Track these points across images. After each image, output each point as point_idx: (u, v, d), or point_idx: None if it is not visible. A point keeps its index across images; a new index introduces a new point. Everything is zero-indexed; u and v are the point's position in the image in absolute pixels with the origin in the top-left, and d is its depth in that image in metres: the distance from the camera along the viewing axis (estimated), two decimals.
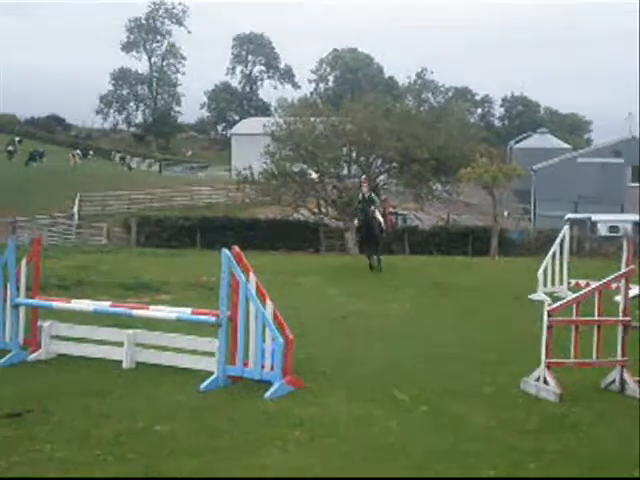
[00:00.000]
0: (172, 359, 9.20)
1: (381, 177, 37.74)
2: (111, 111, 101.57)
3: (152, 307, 10.02)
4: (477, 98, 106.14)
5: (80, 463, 5.82)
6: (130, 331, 9.46)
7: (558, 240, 16.48)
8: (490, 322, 12.87)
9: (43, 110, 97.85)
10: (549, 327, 8.06)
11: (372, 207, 19.50)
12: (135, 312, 9.59)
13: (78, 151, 68.15)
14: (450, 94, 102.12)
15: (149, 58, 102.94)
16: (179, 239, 32.59)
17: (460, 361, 9.71)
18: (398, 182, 38.82)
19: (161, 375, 8.76)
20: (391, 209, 42.00)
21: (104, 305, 10.20)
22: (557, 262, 16.35)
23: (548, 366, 8.07)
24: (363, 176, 23.83)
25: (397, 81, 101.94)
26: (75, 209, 41.09)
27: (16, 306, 9.61)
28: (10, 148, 61.78)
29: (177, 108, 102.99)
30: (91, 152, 72.37)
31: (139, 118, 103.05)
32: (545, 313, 8.11)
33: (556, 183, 48.39)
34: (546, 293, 15.50)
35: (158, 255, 25.18)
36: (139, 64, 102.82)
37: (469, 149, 35.34)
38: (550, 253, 16.40)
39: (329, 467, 5.84)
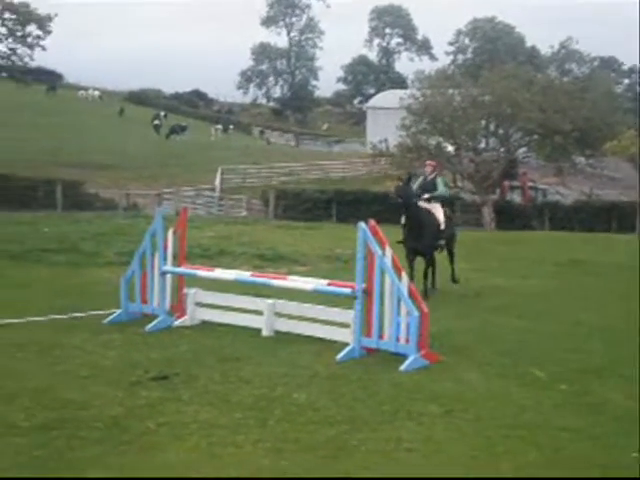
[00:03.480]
0: (309, 329, 9.38)
1: (521, 150, 36.78)
2: (251, 86, 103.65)
3: (290, 277, 10.23)
4: (624, 68, 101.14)
5: (222, 426, 6.07)
6: (270, 300, 9.71)
7: None
8: (634, 302, 12.37)
9: (187, 85, 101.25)
10: None
11: (425, 195, 12.72)
12: (274, 282, 9.83)
13: (219, 125, 70.01)
14: (595, 64, 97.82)
15: (288, 33, 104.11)
16: (315, 212, 32.96)
17: (601, 340, 9.41)
18: (538, 155, 37.72)
19: (298, 344, 8.96)
20: (530, 183, 40.94)
21: (245, 274, 10.55)
22: None
23: None
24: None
25: (539, 51, 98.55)
26: (217, 182, 42.27)
27: (163, 274, 10.06)
28: (156, 122, 64.17)
29: (314, 82, 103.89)
30: (231, 126, 74.13)
31: (278, 93, 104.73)
32: None
33: None
34: None
35: (294, 227, 25.60)
36: (278, 39, 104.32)
37: (615, 121, 33.82)
38: None
39: (465, 442, 5.83)
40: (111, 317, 10.17)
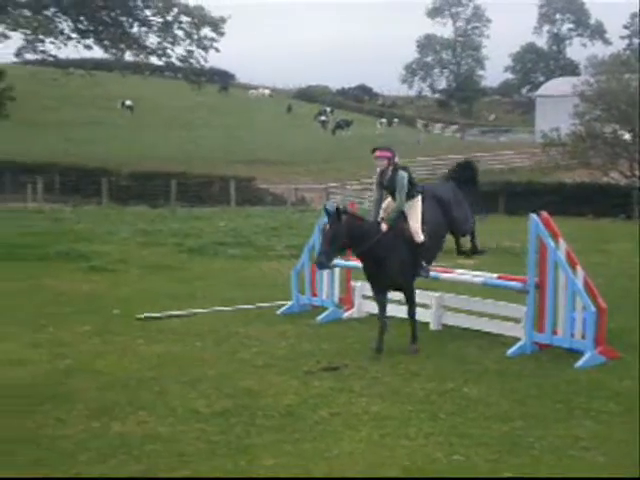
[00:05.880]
0: (478, 323, 9.26)
1: None
2: (415, 79, 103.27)
3: (458, 271, 10.11)
4: None
5: (393, 417, 6.11)
6: (437, 294, 9.66)
7: None
8: None
9: (353, 81, 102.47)
10: None
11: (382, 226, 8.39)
12: (441, 275, 9.75)
13: (384, 119, 70.26)
14: None
15: (454, 23, 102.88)
16: (482, 204, 32.40)
17: None
18: None
19: (466, 338, 8.88)
20: None
21: None
22: None
23: None
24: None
25: None
26: None
27: (332, 267, 10.22)
28: (323, 118, 65.37)
29: (480, 72, 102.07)
30: (396, 120, 74.18)
31: (442, 84, 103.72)
32: None
33: None
34: None
35: None
36: (444, 30, 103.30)
37: None
38: None
39: None
40: (283, 308, 10.48)
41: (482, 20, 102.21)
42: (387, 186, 8.71)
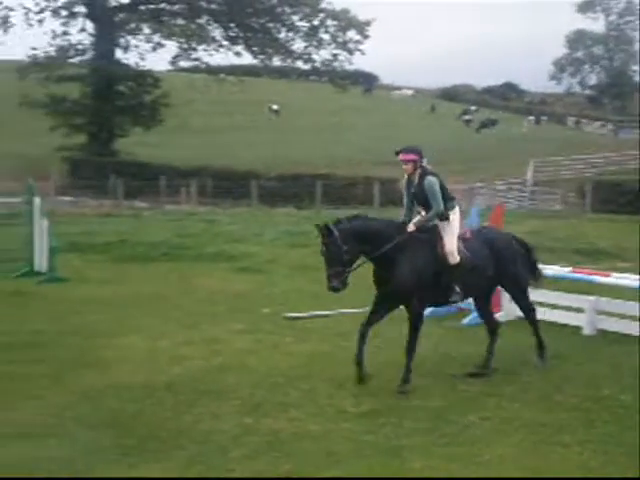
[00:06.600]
0: (636, 328, 8.87)
1: None
2: (565, 75, 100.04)
3: (615, 274, 9.74)
4: None
5: (546, 424, 5.96)
6: (592, 298, 9.33)
7: None
8: None
9: (499, 78, 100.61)
10: None
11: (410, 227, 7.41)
12: (596, 278, 9.43)
13: (531, 117, 68.45)
14: None
15: (606, 17, 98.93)
16: (637, 204, 30.93)
17: None
18: None
19: (623, 344, 8.59)
20: None
21: (564, 270, 10.22)
22: None
23: None
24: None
25: None
26: (528, 175, 41.42)
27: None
28: (467, 117, 64.51)
29: (635, 67, 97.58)
30: (544, 117, 72.10)
31: (593, 80, 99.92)
32: None
33: None
34: None
35: (614, 221, 24.28)
36: (595, 24, 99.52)
37: None
38: None
39: None
40: (429, 310, 10.38)
41: (636, 14, 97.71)
42: (415, 193, 7.56)
